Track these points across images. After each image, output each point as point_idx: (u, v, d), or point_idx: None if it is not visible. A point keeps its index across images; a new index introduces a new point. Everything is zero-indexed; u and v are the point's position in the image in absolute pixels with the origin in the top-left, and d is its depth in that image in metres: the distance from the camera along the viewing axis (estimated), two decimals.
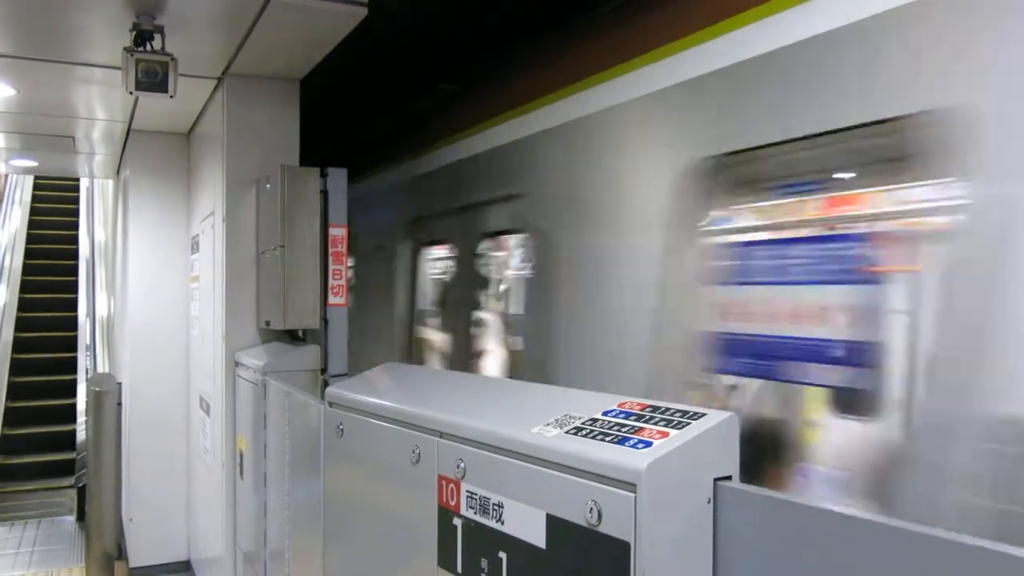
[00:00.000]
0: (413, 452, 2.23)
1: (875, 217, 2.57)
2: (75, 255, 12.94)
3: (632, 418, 1.67)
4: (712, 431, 1.53)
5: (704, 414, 1.57)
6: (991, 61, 2.09)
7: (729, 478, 1.53)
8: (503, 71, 4.80)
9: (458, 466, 2.01)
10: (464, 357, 5.21)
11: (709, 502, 1.50)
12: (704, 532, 1.50)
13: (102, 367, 9.52)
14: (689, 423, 1.55)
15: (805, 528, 1.35)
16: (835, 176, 2.71)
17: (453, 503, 2.03)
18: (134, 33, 3.80)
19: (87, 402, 6.37)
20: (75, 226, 13.52)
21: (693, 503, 1.50)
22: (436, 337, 5.84)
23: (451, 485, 2.05)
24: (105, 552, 5.97)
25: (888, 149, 2.40)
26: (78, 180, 13.50)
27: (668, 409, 1.65)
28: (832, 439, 2.84)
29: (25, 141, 6.87)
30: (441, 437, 2.12)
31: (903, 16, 2.28)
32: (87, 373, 9.97)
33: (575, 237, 3.81)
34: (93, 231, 11.92)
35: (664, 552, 1.46)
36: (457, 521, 2.02)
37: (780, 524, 1.39)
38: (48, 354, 11.45)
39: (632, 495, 1.45)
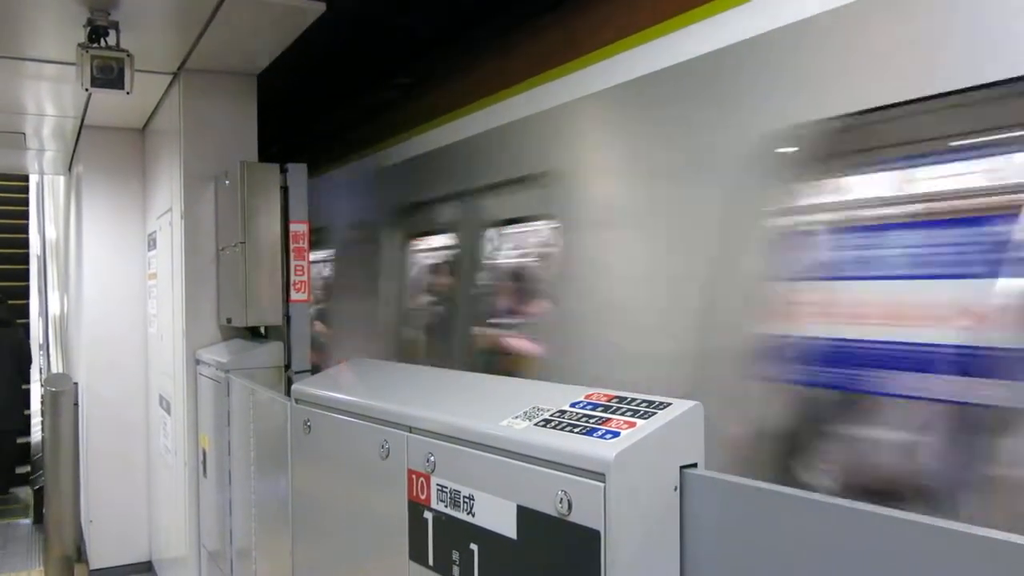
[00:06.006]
0: (382, 447, 2.24)
1: None
2: (26, 246, 12.67)
3: (600, 409, 1.70)
4: (678, 420, 1.57)
5: (669, 403, 1.62)
6: None
7: (695, 465, 1.58)
8: None
9: (428, 460, 2.03)
10: None
11: (676, 489, 1.55)
12: (672, 519, 1.55)
13: (56, 367, 9.35)
14: (655, 413, 1.59)
15: (770, 513, 1.40)
16: None
17: (423, 497, 2.06)
18: (88, 29, 3.74)
19: (43, 403, 6.26)
20: (25, 215, 13.25)
21: (660, 491, 1.54)
22: None
23: (421, 479, 2.07)
24: (64, 554, 5.89)
25: None
26: (27, 176, 13.19)
27: (634, 399, 1.69)
28: None
29: None
30: (410, 431, 2.14)
31: None
32: (41, 373, 9.78)
33: None
34: (44, 228, 11.68)
35: (633, 539, 1.50)
36: (428, 515, 2.04)
37: (745, 509, 1.44)
38: None
39: (601, 485, 1.49)
